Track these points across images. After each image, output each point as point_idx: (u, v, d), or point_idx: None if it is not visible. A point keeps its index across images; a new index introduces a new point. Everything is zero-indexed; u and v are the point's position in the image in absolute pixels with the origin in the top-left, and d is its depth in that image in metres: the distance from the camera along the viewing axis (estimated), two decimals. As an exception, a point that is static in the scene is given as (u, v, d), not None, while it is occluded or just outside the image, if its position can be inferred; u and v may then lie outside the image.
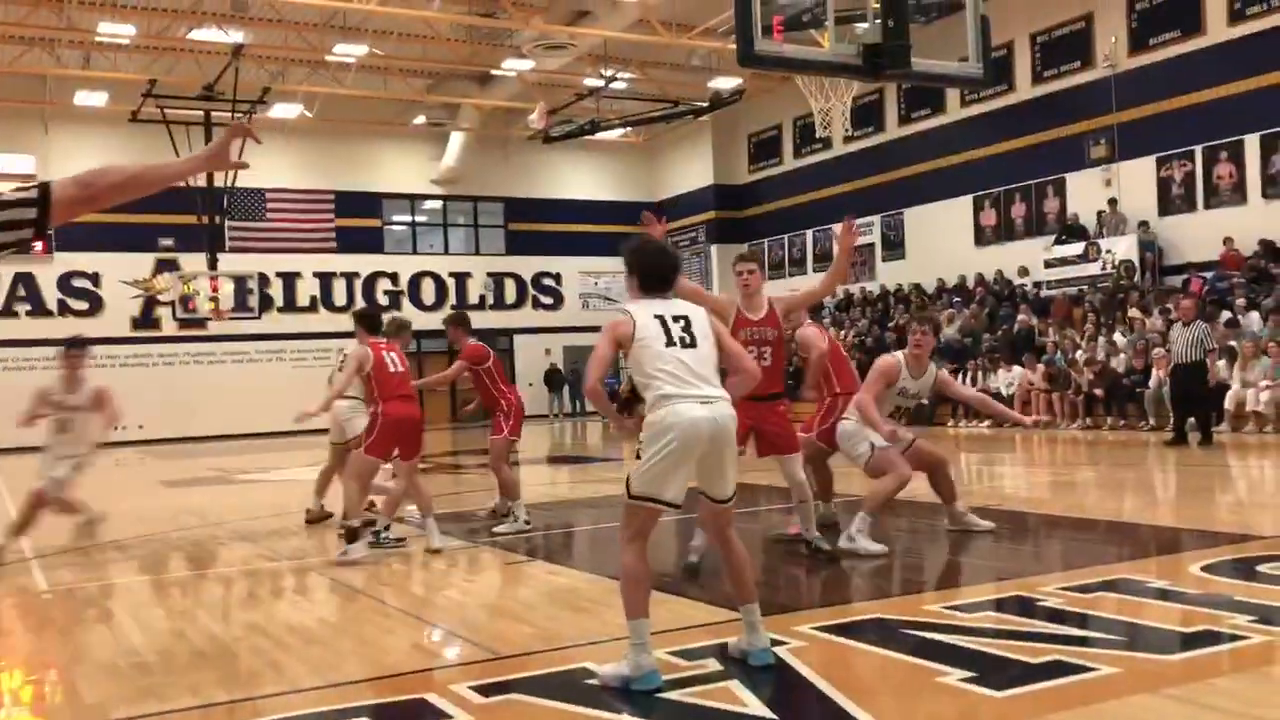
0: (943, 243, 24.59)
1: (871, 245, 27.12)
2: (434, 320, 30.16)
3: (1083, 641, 4.53)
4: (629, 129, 28.53)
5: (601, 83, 25.15)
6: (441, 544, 7.71)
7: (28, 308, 26.08)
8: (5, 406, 7.86)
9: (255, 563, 8.07)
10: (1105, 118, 21.11)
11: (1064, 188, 22.30)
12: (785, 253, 30.09)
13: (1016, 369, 19.38)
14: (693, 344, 4.31)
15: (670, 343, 4.26)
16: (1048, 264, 21.68)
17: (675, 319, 4.33)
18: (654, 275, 4.47)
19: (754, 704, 3.84)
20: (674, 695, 3.99)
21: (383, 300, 30.01)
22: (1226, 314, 17.20)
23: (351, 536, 7.33)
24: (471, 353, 8.86)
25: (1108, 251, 20.52)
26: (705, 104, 25.46)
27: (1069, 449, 15.07)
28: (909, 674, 4.22)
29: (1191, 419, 14.27)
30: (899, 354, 7.51)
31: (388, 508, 8.32)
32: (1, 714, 4.48)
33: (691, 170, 32.20)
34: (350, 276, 29.65)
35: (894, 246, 26.55)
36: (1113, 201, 20.99)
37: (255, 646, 5.23)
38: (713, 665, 4.35)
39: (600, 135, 27.29)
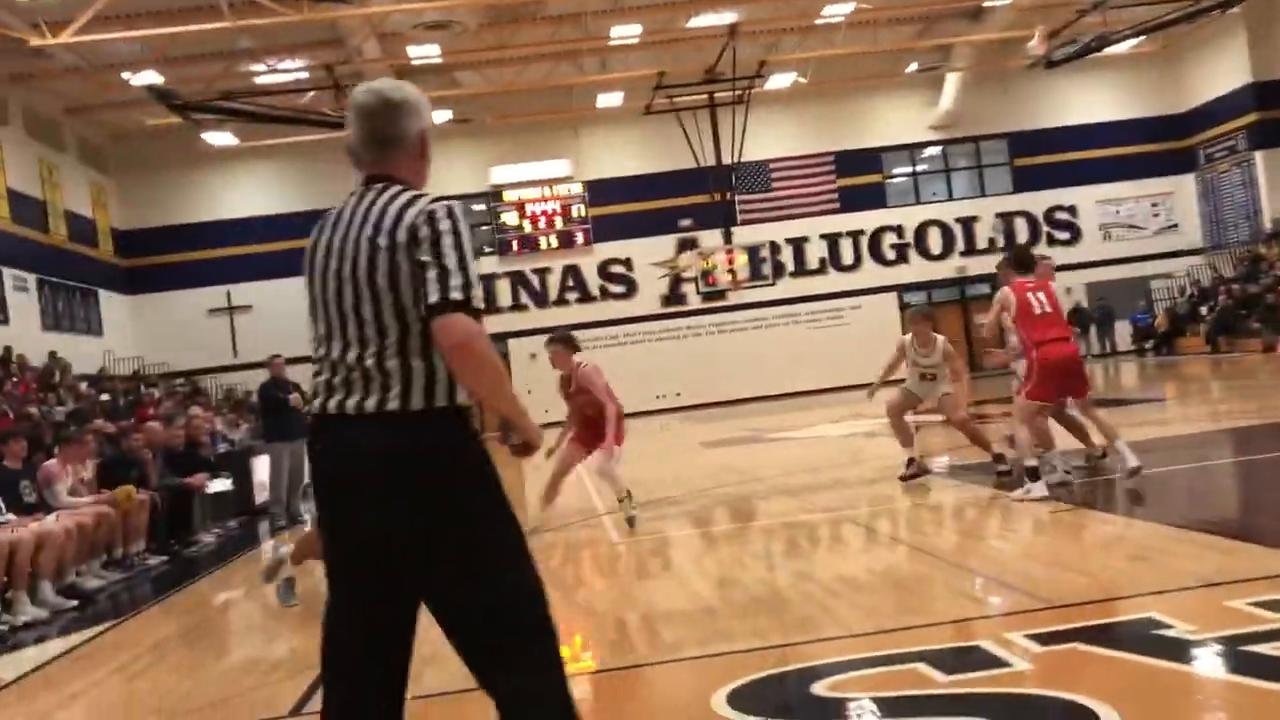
0: None
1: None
2: (943, 269, 29.75)
3: None
4: (1143, 37, 25.94)
5: (1106, -7, 23.07)
6: (1136, 462, 7.44)
7: (576, 295, 29.28)
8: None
9: (795, 515, 8.45)
10: None
11: None
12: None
13: None
14: None
15: None
16: None
17: None
18: None
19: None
20: (1259, 648, 3.61)
21: (889, 255, 29.97)
22: None
23: (1033, 475, 7.38)
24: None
25: None
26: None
27: None
28: None
29: None
30: None
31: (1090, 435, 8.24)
32: (589, 652, 5.08)
33: (1222, 71, 28.59)
34: (855, 235, 29.90)
35: None
36: None
37: (806, 593, 5.48)
38: (1304, 618, 3.88)
39: (1109, 50, 25.08)
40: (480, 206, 28.21)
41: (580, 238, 28.76)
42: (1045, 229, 30.28)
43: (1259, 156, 27.45)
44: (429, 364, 2.47)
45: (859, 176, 29.89)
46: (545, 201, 28.74)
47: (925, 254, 29.90)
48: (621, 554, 7.66)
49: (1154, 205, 30.33)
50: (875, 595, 5.36)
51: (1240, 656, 3.59)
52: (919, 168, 31.02)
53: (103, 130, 26.72)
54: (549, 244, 28.70)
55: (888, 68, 28.78)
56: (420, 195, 2.57)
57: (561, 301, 28.90)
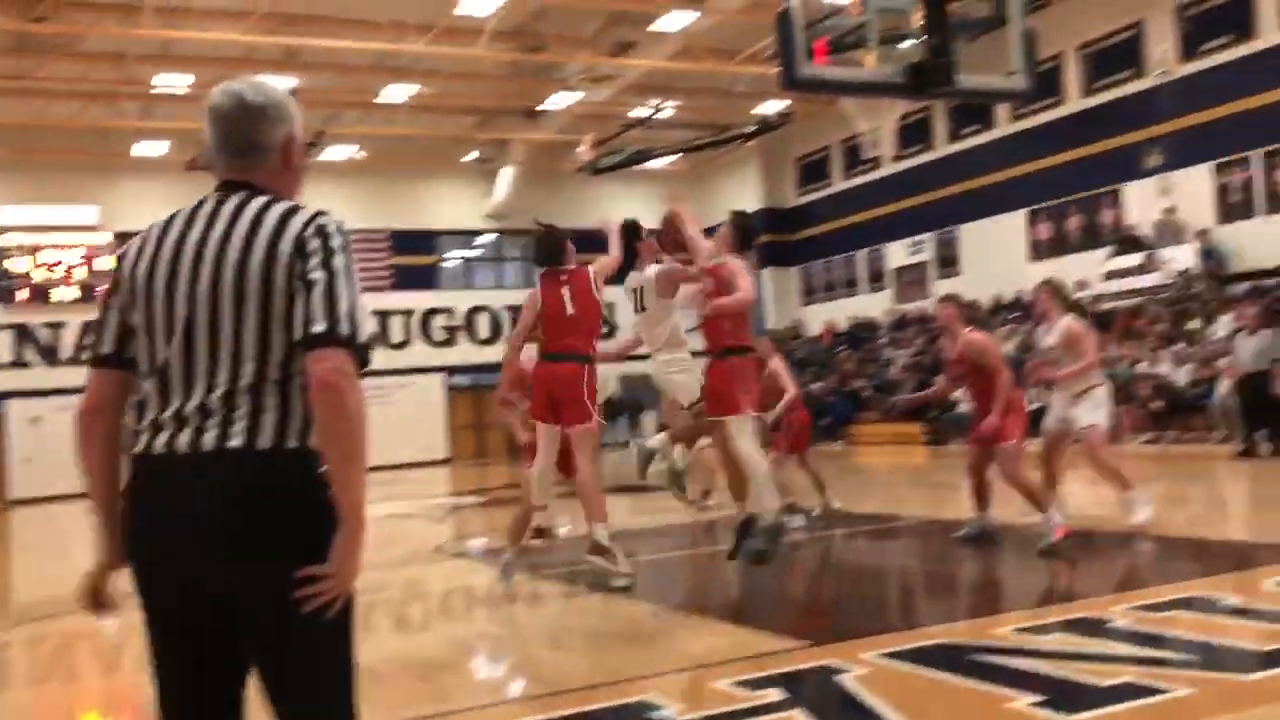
0: (998, 258, 24.28)
1: (924, 264, 26.90)
2: (492, 354, 30.48)
3: (1157, 662, 4.42)
4: (677, 157, 28.62)
5: (648, 113, 25.29)
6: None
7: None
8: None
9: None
10: (1159, 126, 20.75)
11: (1120, 198, 21.96)
12: (838, 274, 29.96)
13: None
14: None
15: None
16: (1106, 276, 21.32)
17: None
18: None
19: (819, 734, 3.79)
20: (738, 726, 3.95)
21: (439, 336, 30.30)
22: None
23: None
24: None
25: (1167, 261, 20.14)
26: (752, 129, 25.46)
27: (1136, 463, 14.76)
28: (977, 700, 4.14)
29: (1262, 429, 13.91)
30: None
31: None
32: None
33: (740, 194, 32.13)
34: (407, 314, 29.98)
35: (948, 264, 26.30)
36: (1170, 210, 20.61)
37: (321, 685, 5.26)
38: (774, 695, 4.30)
39: (648, 165, 27.39)
40: (-18, 248, 25.08)
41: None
42: (585, 322, 32.09)
43: (766, 273, 31.04)
44: (285, 398, 2.13)
45: (414, 256, 30.11)
46: (65, 250, 25.94)
47: (475, 338, 30.54)
48: (121, 644, 6.94)
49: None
50: (391, 686, 5.26)
51: (721, 734, 3.91)
52: (472, 254, 31.85)
53: None
54: (66, 296, 25.85)
55: (447, 154, 29.44)
56: (301, 206, 2.24)
57: (75, 361, 26.12)
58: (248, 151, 2.32)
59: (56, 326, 26.01)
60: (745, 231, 6.84)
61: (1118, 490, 7.78)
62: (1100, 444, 7.73)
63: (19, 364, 25.56)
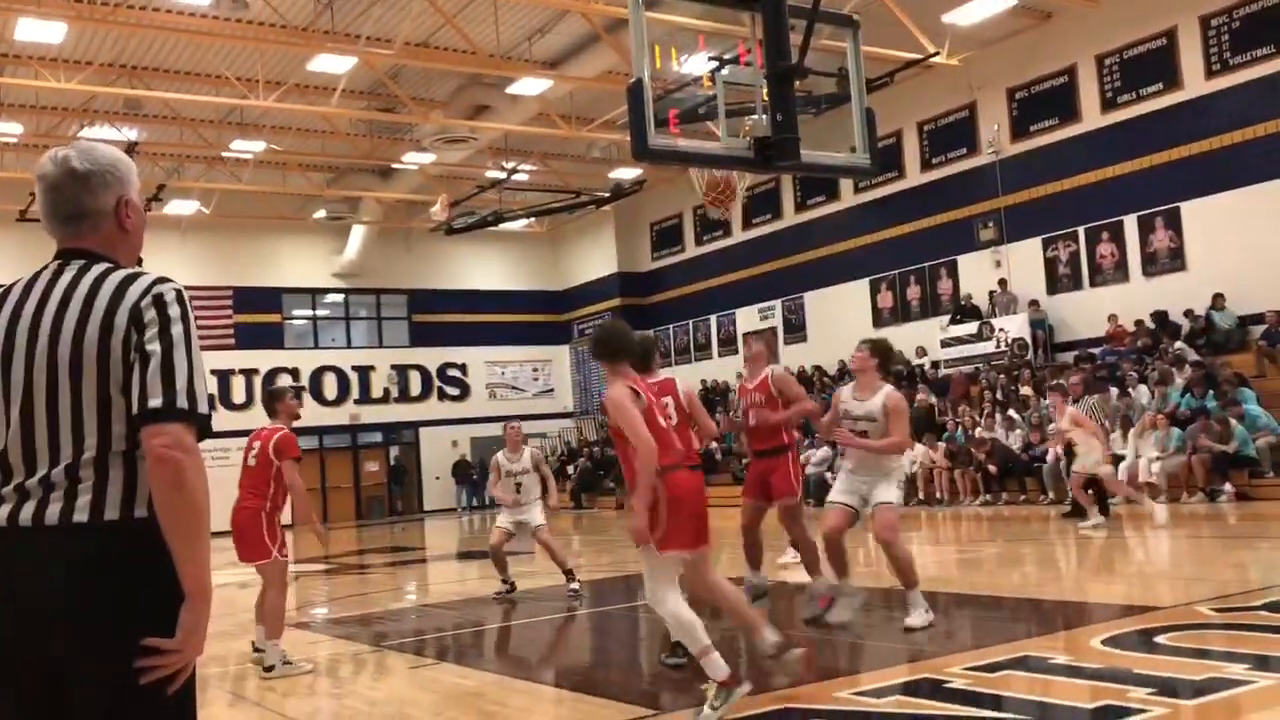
0: (842, 324, 25.05)
1: (774, 329, 27.54)
2: (338, 415, 29.75)
3: (991, 723, 4.53)
4: (532, 219, 28.70)
5: (503, 175, 25.34)
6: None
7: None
8: None
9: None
10: (992, 201, 21.91)
11: (956, 269, 22.98)
12: (690, 338, 30.40)
13: (919, 447, 19.66)
14: None
15: None
16: (944, 343, 22.24)
17: None
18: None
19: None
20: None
21: (284, 396, 29.40)
22: (1115, 389, 17.72)
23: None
24: None
25: (1001, 330, 21.12)
26: (607, 194, 25.78)
27: (972, 525, 15.30)
28: (821, 766, 4.17)
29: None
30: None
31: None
32: None
33: (595, 259, 32.48)
34: (249, 373, 29.06)
35: (796, 329, 27.01)
36: (1003, 282, 21.68)
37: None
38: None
39: (503, 226, 27.40)
40: None
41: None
42: (438, 384, 31.70)
43: (621, 336, 31.26)
44: (130, 468, 2.10)
45: (258, 314, 29.29)
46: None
47: (320, 399, 29.77)
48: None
49: (534, 370, 33.15)
50: (222, 767, 5.00)
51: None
52: (320, 312, 31.16)
53: None
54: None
55: (295, 210, 28.86)
56: (139, 273, 2.16)
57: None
58: (79, 219, 2.27)
59: None
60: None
61: (904, 584, 7.03)
62: (896, 526, 6.91)
63: None
